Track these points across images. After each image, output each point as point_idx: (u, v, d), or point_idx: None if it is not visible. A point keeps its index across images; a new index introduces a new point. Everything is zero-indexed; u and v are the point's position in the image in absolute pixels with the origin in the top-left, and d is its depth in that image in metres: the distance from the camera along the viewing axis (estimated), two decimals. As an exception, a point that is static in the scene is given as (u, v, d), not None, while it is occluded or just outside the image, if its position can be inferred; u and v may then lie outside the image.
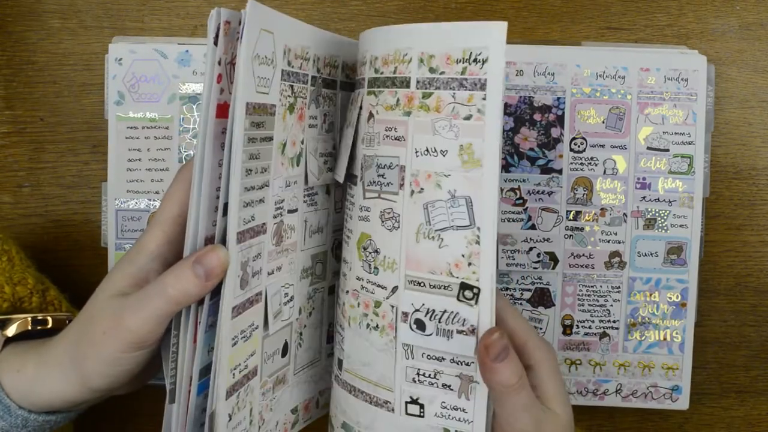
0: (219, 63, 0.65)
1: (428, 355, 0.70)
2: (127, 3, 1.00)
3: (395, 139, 0.70)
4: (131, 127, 0.97)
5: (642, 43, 0.99)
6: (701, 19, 0.99)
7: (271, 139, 0.69)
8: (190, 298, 0.67)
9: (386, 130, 0.71)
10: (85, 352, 0.71)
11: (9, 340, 0.79)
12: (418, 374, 0.71)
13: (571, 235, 0.95)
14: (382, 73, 0.71)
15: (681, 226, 0.95)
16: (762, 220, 0.99)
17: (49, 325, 0.82)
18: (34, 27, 1.00)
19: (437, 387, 0.70)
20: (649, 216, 0.95)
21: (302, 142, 0.76)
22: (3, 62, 1.00)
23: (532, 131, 0.95)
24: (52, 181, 1.01)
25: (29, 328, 0.81)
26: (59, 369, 0.73)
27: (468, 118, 0.67)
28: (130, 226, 0.97)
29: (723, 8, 0.99)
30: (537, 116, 0.95)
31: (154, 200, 0.97)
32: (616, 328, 0.96)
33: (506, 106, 0.95)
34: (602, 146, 0.95)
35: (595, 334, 0.96)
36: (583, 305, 0.96)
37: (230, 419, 0.68)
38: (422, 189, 0.69)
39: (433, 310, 0.70)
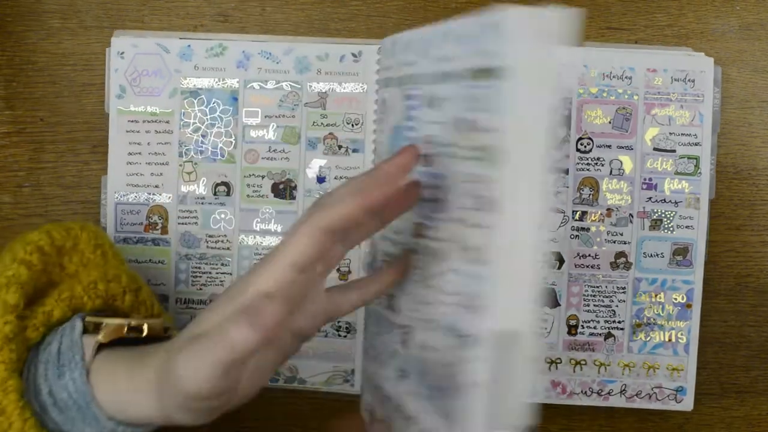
0: None
1: None
2: (127, 3, 0.98)
3: None
4: (132, 121, 0.95)
5: (642, 43, 0.95)
6: (701, 19, 0.96)
7: None
8: (250, 350, 0.61)
9: None
10: (164, 388, 0.65)
11: (102, 346, 0.73)
12: None
13: (577, 236, 0.93)
14: None
15: (687, 227, 0.92)
16: (762, 220, 0.96)
17: (144, 334, 0.76)
18: (34, 27, 0.98)
19: None
20: (655, 217, 0.92)
21: None
22: (3, 62, 0.98)
23: (538, 131, 0.91)
24: (52, 181, 0.98)
25: (124, 334, 0.74)
26: (145, 395, 0.67)
27: None
28: (129, 220, 0.95)
29: (723, 8, 0.96)
30: (543, 116, 0.91)
31: (153, 194, 0.95)
32: (622, 329, 0.93)
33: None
34: (609, 147, 0.92)
35: (600, 334, 0.93)
36: (588, 305, 0.93)
37: None
38: None
39: None
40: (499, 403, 0.57)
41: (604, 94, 0.91)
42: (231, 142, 0.94)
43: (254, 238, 0.94)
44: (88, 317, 0.74)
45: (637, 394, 0.93)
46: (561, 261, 0.92)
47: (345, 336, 0.93)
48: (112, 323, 0.74)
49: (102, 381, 0.69)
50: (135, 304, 0.81)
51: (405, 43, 0.78)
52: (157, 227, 0.95)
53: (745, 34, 0.96)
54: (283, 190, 0.94)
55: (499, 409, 0.57)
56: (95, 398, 0.69)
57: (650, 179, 0.92)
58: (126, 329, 0.74)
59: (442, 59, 0.68)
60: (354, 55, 0.93)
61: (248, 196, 0.94)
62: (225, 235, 0.94)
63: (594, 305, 0.93)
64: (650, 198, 0.92)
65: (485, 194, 0.59)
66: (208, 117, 0.94)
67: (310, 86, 0.93)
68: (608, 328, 0.93)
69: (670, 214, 0.92)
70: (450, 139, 0.66)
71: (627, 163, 0.92)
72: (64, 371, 0.69)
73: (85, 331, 0.73)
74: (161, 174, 0.95)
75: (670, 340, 0.93)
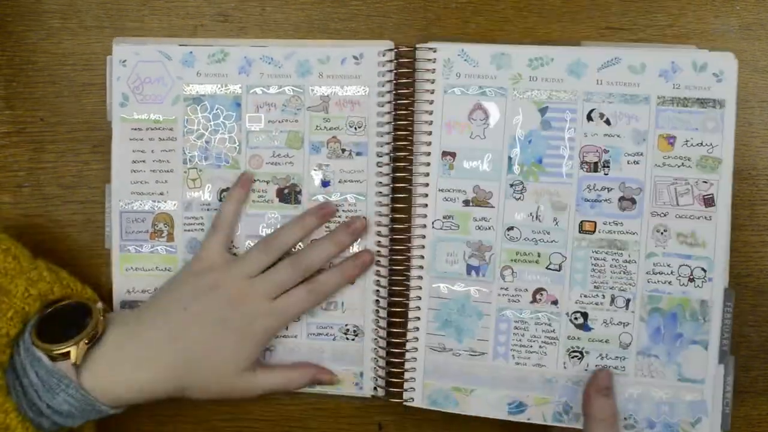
0: None
1: None
2: (127, 3, 0.97)
3: None
4: (135, 129, 0.94)
5: (642, 43, 0.94)
6: (701, 19, 0.95)
7: None
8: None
9: None
10: (197, 389, 0.86)
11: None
12: None
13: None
14: None
15: None
16: (762, 220, 0.95)
17: (100, 330, 0.83)
18: (34, 27, 0.97)
19: None
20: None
21: None
22: (3, 62, 0.97)
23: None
24: (52, 181, 0.97)
25: (87, 344, 0.81)
26: (164, 392, 0.84)
27: None
28: (135, 228, 0.95)
29: (723, 8, 0.95)
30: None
31: (158, 202, 0.95)
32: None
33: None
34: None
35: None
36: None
37: None
38: None
39: None
40: (728, 331, 0.88)
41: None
42: (235, 148, 0.93)
43: (260, 243, 0.93)
44: (49, 352, 0.79)
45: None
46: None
47: (353, 339, 0.93)
48: (73, 343, 0.80)
49: (102, 391, 0.80)
50: (65, 291, 0.86)
51: (537, 59, 0.90)
52: (163, 234, 0.94)
53: (745, 34, 0.95)
54: (288, 194, 0.93)
55: (729, 335, 0.88)
56: (98, 400, 0.79)
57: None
58: (88, 340, 0.81)
59: (621, 83, 0.89)
60: (355, 57, 0.92)
61: (254, 201, 0.94)
62: (231, 241, 0.93)
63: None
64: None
65: (710, 193, 0.88)
66: (212, 123, 0.93)
67: (312, 90, 0.92)
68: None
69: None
70: (641, 149, 0.89)
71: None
72: (57, 392, 0.77)
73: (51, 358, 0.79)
74: (166, 181, 0.94)
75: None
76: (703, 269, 0.88)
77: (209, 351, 0.84)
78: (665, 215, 0.88)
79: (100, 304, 0.85)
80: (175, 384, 0.84)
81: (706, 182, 0.88)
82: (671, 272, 0.88)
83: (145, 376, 0.82)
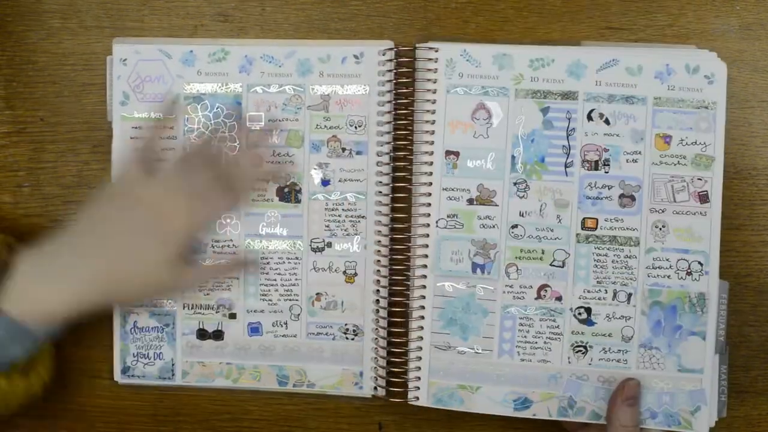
0: None
1: None
2: (127, 3, 0.96)
3: None
4: (136, 127, 0.94)
5: (642, 43, 0.94)
6: (701, 19, 0.95)
7: None
8: None
9: None
10: (127, 292, 0.87)
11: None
12: None
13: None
14: None
15: None
16: (762, 220, 0.95)
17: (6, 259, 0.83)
18: (34, 27, 0.97)
19: None
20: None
21: None
22: (3, 62, 0.97)
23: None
24: (52, 181, 0.97)
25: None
26: (93, 302, 0.83)
27: None
28: None
29: (723, 8, 0.95)
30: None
31: None
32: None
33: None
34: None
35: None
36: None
37: None
38: None
39: None
40: (724, 322, 0.90)
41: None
42: (235, 147, 0.92)
43: (260, 242, 0.93)
44: None
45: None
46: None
47: (353, 338, 0.93)
48: None
49: (30, 313, 0.79)
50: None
51: (538, 60, 0.90)
52: (163, 233, 0.93)
53: (745, 34, 0.94)
54: (288, 193, 0.93)
55: (725, 325, 0.90)
56: (26, 322, 0.79)
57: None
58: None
59: (619, 84, 0.90)
60: (356, 56, 0.91)
61: (253, 200, 0.93)
62: (231, 240, 0.93)
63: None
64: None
65: (705, 189, 0.89)
66: (212, 122, 0.93)
67: (313, 89, 0.92)
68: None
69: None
70: (639, 148, 0.90)
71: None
72: None
73: None
74: None
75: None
76: (699, 263, 0.89)
77: (132, 256, 0.84)
78: (663, 211, 0.90)
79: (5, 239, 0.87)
80: (101, 291, 0.83)
81: (700, 179, 0.89)
82: (670, 266, 0.90)
83: (70, 289, 0.81)
